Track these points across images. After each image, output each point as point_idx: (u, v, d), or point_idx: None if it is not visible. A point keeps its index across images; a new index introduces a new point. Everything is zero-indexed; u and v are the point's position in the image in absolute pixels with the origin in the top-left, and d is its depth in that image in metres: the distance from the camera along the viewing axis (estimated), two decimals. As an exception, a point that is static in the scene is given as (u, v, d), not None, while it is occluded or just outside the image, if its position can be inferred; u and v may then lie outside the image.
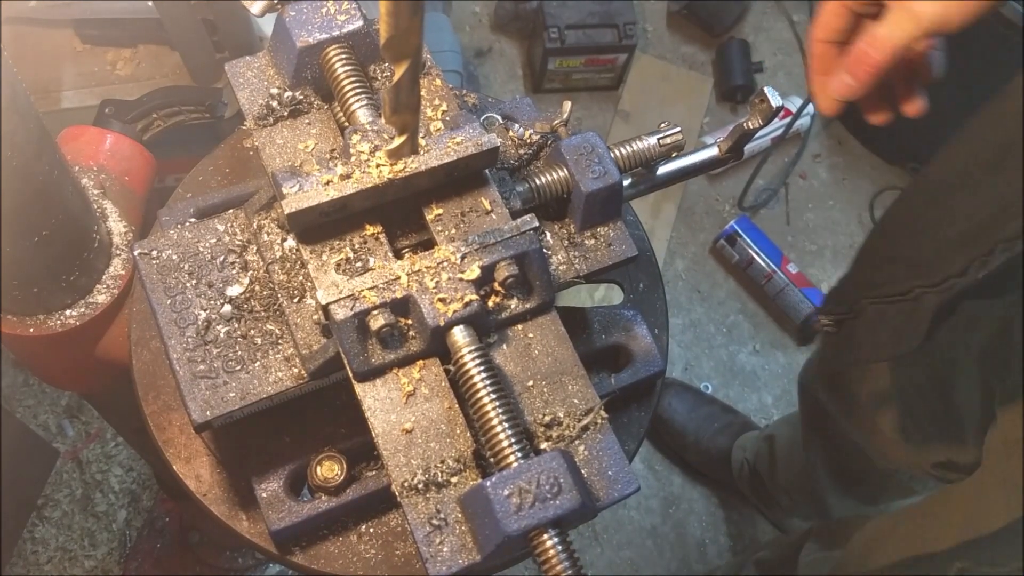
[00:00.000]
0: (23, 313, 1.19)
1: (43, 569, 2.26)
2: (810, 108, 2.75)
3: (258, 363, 0.88)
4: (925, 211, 1.27)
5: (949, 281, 1.19)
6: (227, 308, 0.90)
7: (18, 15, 1.62)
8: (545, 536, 0.76)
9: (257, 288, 0.91)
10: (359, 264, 0.85)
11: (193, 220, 0.98)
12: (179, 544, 2.20)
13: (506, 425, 0.80)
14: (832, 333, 1.46)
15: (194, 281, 0.90)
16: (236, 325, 0.89)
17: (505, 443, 0.79)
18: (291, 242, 0.91)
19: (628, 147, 1.01)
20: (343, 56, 0.93)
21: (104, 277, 1.22)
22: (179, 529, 2.20)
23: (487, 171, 0.92)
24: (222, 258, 0.92)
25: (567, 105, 1.04)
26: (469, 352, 0.82)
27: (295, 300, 0.89)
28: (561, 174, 0.97)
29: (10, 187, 0.99)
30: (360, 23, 0.94)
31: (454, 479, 0.81)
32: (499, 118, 1.06)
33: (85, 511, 2.33)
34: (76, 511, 2.33)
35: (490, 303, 0.87)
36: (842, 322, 1.44)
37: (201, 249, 0.92)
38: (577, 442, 0.86)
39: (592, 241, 0.99)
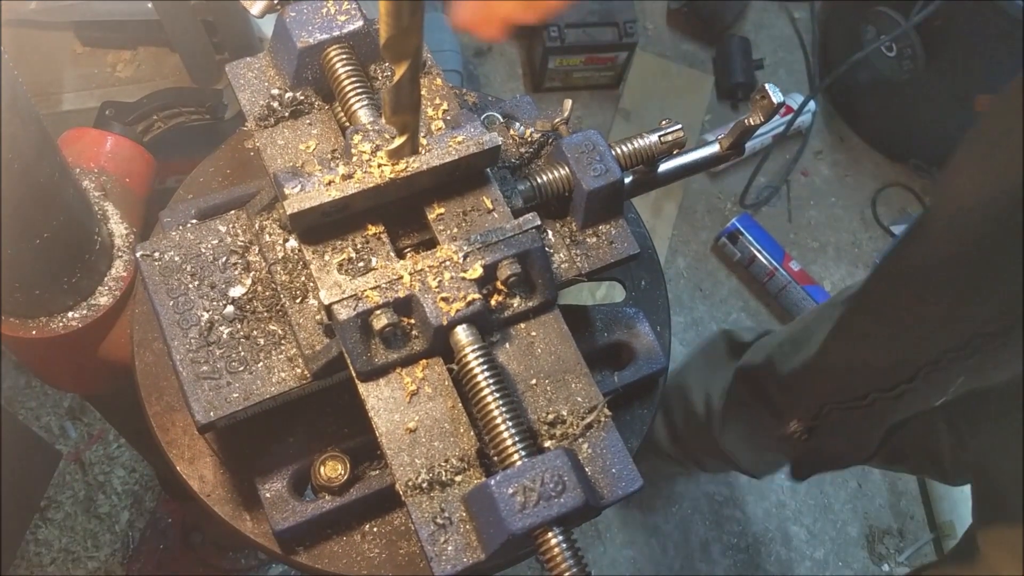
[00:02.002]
0: (25, 315, 1.19)
1: (46, 570, 2.26)
2: (811, 105, 2.75)
3: (261, 364, 0.88)
4: (880, 322, 1.30)
5: (900, 387, 1.24)
6: (230, 309, 0.90)
7: (18, 17, 1.61)
8: (549, 534, 0.76)
9: (259, 289, 0.91)
10: (361, 264, 0.85)
11: (195, 221, 0.98)
12: (182, 545, 2.20)
13: (510, 424, 0.80)
14: (804, 439, 1.49)
15: (196, 282, 0.90)
16: (239, 326, 0.89)
17: (509, 442, 0.79)
18: (293, 242, 0.91)
19: (629, 145, 1.01)
20: (344, 56, 0.93)
21: (106, 279, 1.22)
22: (181, 530, 2.20)
23: (488, 170, 0.92)
24: (224, 259, 0.92)
25: (568, 103, 1.04)
26: (472, 351, 0.82)
27: (298, 300, 0.89)
28: (562, 172, 0.97)
29: (11, 189, 0.99)
30: (360, 23, 0.94)
31: (458, 478, 0.81)
32: (500, 117, 1.06)
33: (88, 512, 2.34)
34: (79, 512, 2.34)
35: (492, 302, 0.87)
36: (812, 429, 1.47)
37: (203, 250, 0.92)
38: (581, 440, 0.86)
39: (594, 239, 0.99)
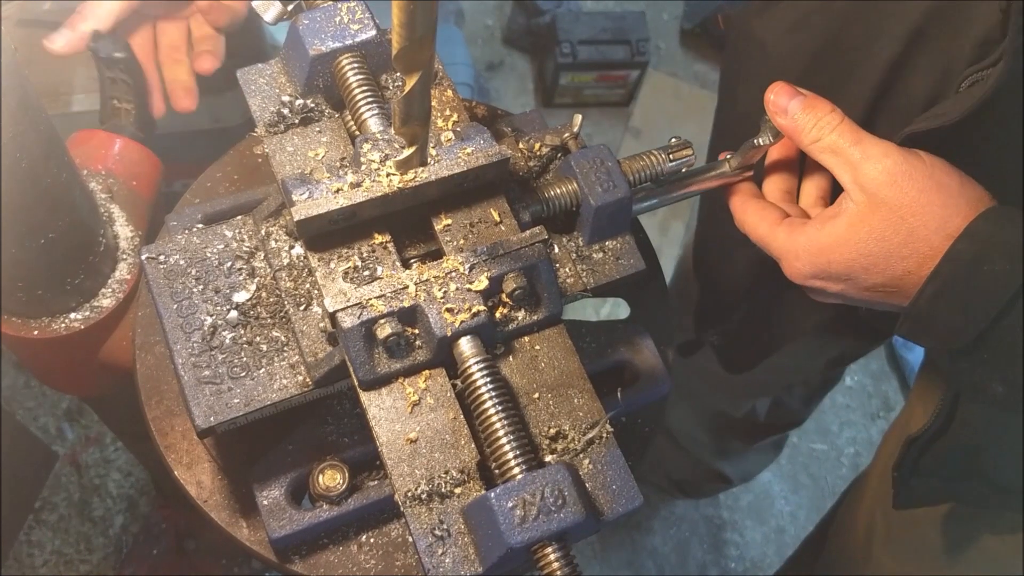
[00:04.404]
0: (27, 315, 1.19)
1: (38, 572, 2.26)
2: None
3: (263, 370, 0.88)
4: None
5: None
6: (233, 314, 0.89)
7: (31, 17, 1.62)
8: (548, 549, 0.76)
9: (264, 295, 0.91)
10: (367, 273, 0.85)
11: (201, 226, 0.98)
12: (175, 551, 2.20)
13: (511, 437, 0.79)
14: (722, 345, 1.62)
15: (201, 286, 0.90)
16: (242, 331, 0.89)
17: (510, 455, 0.79)
18: (299, 249, 0.90)
19: (638, 162, 1.01)
20: (355, 65, 0.93)
21: (109, 281, 1.22)
22: (175, 536, 2.20)
23: (496, 182, 0.91)
24: (229, 264, 0.92)
25: (577, 118, 1.04)
26: (475, 363, 0.82)
27: (301, 307, 0.88)
28: (570, 187, 0.97)
29: (18, 189, 0.99)
30: (373, 33, 0.94)
31: (457, 490, 0.81)
32: (509, 130, 1.06)
33: (82, 515, 2.33)
34: (73, 515, 2.33)
35: (497, 314, 0.87)
36: (728, 332, 1.58)
37: (208, 255, 0.92)
38: (582, 455, 0.85)
39: (600, 255, 0.99)
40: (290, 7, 1.01)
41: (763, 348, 1.51)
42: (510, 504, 0.75)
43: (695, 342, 1.65)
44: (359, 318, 0.81)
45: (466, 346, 0.83)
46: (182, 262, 0.91)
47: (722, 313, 1.54)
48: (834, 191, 1.04)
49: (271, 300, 0.91)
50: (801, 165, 1.06)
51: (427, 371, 0.85)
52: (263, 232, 0.92)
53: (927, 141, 0.93)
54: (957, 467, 1.07)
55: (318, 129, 0.94)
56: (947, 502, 1.22)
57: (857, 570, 1.57)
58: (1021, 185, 0.96)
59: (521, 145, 1.03)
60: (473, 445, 0.83)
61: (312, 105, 0.94)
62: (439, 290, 0.83)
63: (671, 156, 1.02)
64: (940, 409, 1.03)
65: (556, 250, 0.97)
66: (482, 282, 0.84)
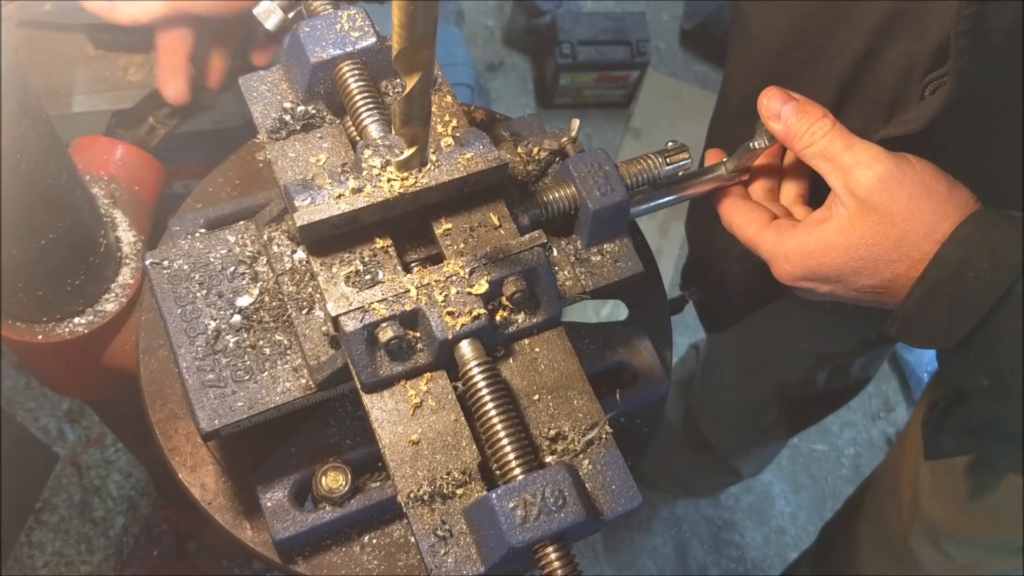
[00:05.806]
0: (29, 319, 1.19)
1: (39, 573, 2.26)
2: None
3: (266, 373, 0.88)
4: None
5: None
6: (237, 318, 0.90)
7: (32, 18, 1.63)
8: (549, 549, 0.77)
9: (266, 299, 0.92)
10: (368, 277, 0.86)
11: (203, 231, 0.99)
12: (176, 552, 2.21)
13: (512, 438, 0.80)
14: (702, 302, 1.59)
15: (204, 291, 0.91)
16: (245, 335, 0.90)
17: (511, 456, 0.80)
18: (301, 254, 0.91)
19: (635, 165, 1.02)
20: (356, 72, 0.94)
21: (112, 286, 1.23)
22: (176, 537, 2.21)
23: (496, 187, 0.92)
24: (232, 269, 0.93)
25: (575, 123, 1.05)
26: (476, 365, 0.83)
27: (304, 311, 0.89)
28: (568, 191, 0.98)
29: (19, 190, 1.00)
30: (373, 40, 0.95)
31: (459, 491, 0.82)
32: (508, 134, 1.07)
33: (83, 516, 2.34)
34: (74, 516, 2.34)
35: (497, 317, 0.88)
36: (708, 290, 1.56)
37: (212, 259, 0.93)
38: (581, 456, 0.86)
39: (599, 257, 0.99)
40: (291, 14, 1.02)
41: (744, 307, 1.52)
42: (511, 504, 0.76)
43: (679, 300, 1.66)
44: (361, 322, 0.82)
45: (467, 349, 0.84)
46: (186, 267, 0.92)
47: (705, 271, 1.56)
48: (812, 190, 1.06)
49: (274, 304, 0.91)
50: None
51: (428, 374, 0.86)
52: (265, 237, 0.93)
53: (895, 146, 0.95)
54: (979, 426, 1.10)
55: (319, 135, 0.95)
56: (975, 452, 1.25)
57: (909, 521, 1.61)
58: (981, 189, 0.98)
59: (520, 149, 1.04)
60: (474, 446, 0.84)
61: (313, 111, 0.95)
62: (440, 294, 0.84)
63: (668, 160, 1.03)
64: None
65: (555, 253, 0.98)
66: (482, 286, 0.85)
